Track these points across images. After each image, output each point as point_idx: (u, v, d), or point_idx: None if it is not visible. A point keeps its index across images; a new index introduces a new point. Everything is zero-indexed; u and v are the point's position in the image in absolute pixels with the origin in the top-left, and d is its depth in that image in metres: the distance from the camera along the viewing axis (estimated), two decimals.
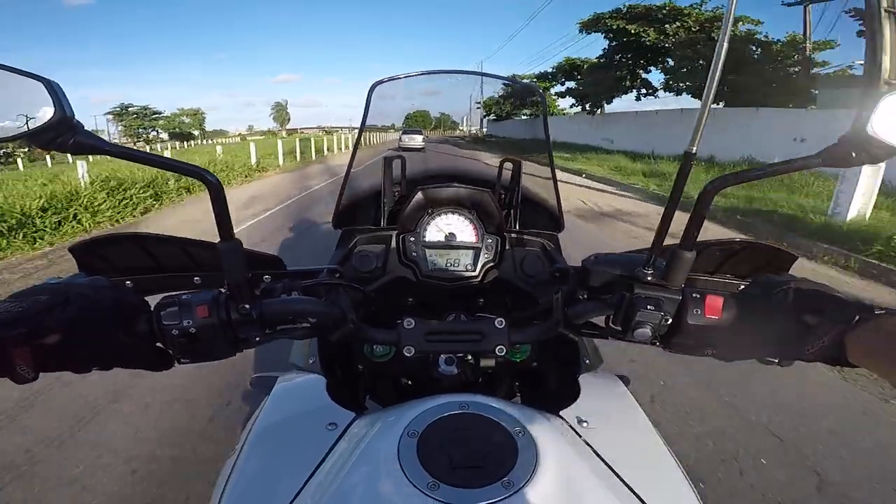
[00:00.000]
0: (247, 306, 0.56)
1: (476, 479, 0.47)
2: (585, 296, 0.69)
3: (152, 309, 0.56)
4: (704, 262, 0.68)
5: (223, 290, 0.57)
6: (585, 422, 0.63)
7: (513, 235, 0.95)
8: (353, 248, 0.92)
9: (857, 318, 0.44)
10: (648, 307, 0.55)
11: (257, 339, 0.59)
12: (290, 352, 0.87)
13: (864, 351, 0.43)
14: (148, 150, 0.50)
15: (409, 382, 0.92)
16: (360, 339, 0.69)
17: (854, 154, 0.47)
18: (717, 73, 0.46)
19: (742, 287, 0.64)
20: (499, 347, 0.67)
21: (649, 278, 0.56)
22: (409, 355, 0.66)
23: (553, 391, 0.88)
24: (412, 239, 0.92)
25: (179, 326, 0.54)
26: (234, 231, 0.53)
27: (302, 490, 0.52)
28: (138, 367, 0.56)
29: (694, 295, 0.56)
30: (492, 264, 0.93)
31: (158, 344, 0.56)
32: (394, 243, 0.93)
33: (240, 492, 0.55)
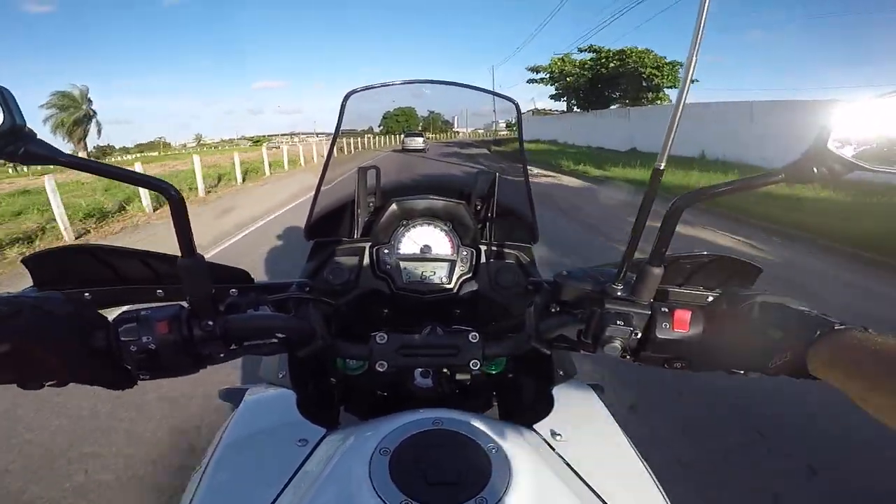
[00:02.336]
0: (209, 322, 0.55)
1: (450, 496, 0.47)
2: (558, 309, 0.69)
3: (110, 323, 0.54)
4: (673, 274, 0.69)
5: (185, 305, 0.55)
6: (559, 434, 0.63)
7: (488, 248, 0.95)
8: (326, 260, 0.90)
9: (818, 332, 0.45)
10: (618, 322, 0.56)
11: (221, 355, 0.58)
12: (259, 365, 0.84)
13: (824, 364, 0.44)
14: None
15: (386, 395, 0.90)
16: (331, 353, 0.68)
17: (815, 170, 0.48)
18: (684, 96, 0.47)
19: (710, 300, 0.65)
20: (473, 361, 0.67)
21: (619, 293, 0.57)
22: (382, 370, 0.66)
23: (529, 403, 0.88)
24: (386, 251, 0.91)
25: (138, 342, 0.52)
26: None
27: None
28: (96, 384, 0.54)
29: (663, 309, 0.56)
30: (467, 276, 0.93)
31: (124, 362, 0.54)
32: (367, 255, 0.92)
33: None
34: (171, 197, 0.48)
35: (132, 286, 0.69)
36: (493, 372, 0.91)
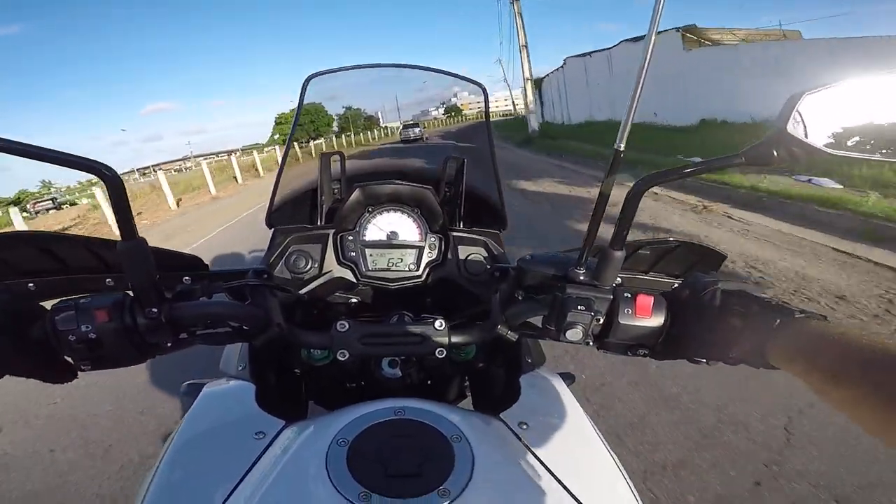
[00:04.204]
0: (154, 310, 0.53)
1: (411, 488, 0.46)
2: (523, 296, 0.68)
3: (48, 313, 0.52)
4: (640, 260, 0.68)
5: (129, 293, 0.53)
6: (525, 424, 0.63)
7: (457, 234, 0.93)
8: (287, 248, 0.87)
9: (778, 322, 0.45)
10: (579, 307, 0.55)
11: (169, 344, 0.56)
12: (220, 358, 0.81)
13: (784, 354, 0.43)
14: None
15: (354, 386, 0.88)
16: (289, 343, 0.65)
17: (776, 153, 0.48)
18: (644, 72, 0.46)
19: (674, 286, 0.65)
20: (438, 350, 0.66)
21: (581, 278, 0.56)
22: (343, 359, 0.65)
23: (499, 392, 0.87)
24: (350, 238, 0.89)
25: (77, 332, 0.50)
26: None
27: (225, 503, 0.49)
28: (33, 377, 0.52)
29: (625, 295, 0.56)
30: (436, 263, 0.91)
31: (64, 353, 0.52)
32: (331, 242, 0.89)
33: None
34: (106, 177, 0.46)
35: (80, 276, 0.66)
36: (462, 360, 0.90)
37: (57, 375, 0.54)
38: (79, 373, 0.55)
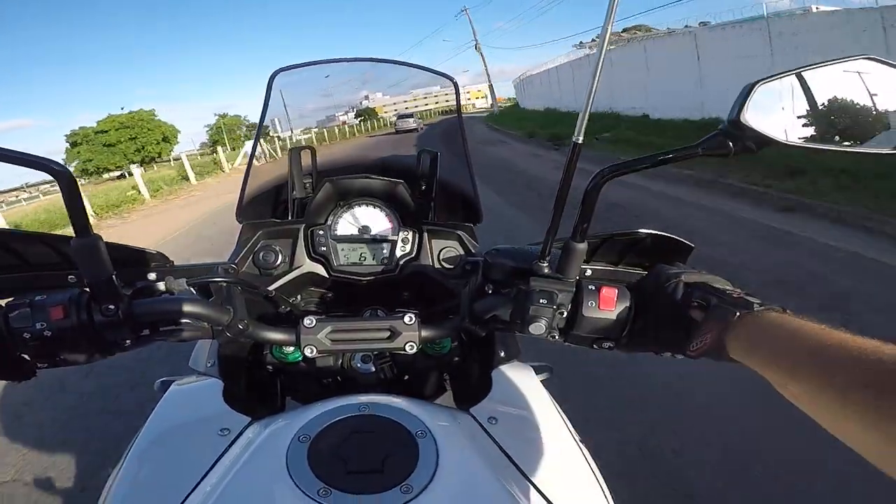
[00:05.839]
0: (111, 307, 0.52)
1: (372, 484, 0.46)
2: (491, 289, 0.68)
3: (1, 310, 0.51)
4: (608, 252, 0.69)
5: (87, 290, 0.53)
6: (495, 418, 0.63)
7: (430, 228, 0.93)
8: (256, 242, 0.86)
9: (737, 315, 0.44)
10: (541, 301, 0.55)
11: (128, 342, 0.56)
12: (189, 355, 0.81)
13: (742, 347, 0.43)
14: None
15: (330, 381, 0.88)
16: (253, 340, 0.65)
17: (731, 143, 0.49)
18: (601, 63, 0.46)
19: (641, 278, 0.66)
20: (409, 344, 0.66)
21: (545, 271, 0.56)
22: (310, 355, 0.65)
23: (474, 386, 0.87)
24: (321, 232, 0.88)
25: (32, 330, 0.50)
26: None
27: (187, 499, 0.49)
28: None
29: (590, 287, 0.56)
30: (410, 257, 0.91)
31: (19, 351, 0.52)
32: (301, 237, 0.88)
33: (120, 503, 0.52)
34: (59, 174, 0.46)
35: (40, 273, 0.65)
36: (435, 354, 0.90)
37: (14, 373, 0.54)
38: (37, 370, 0.55)
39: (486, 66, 35.05)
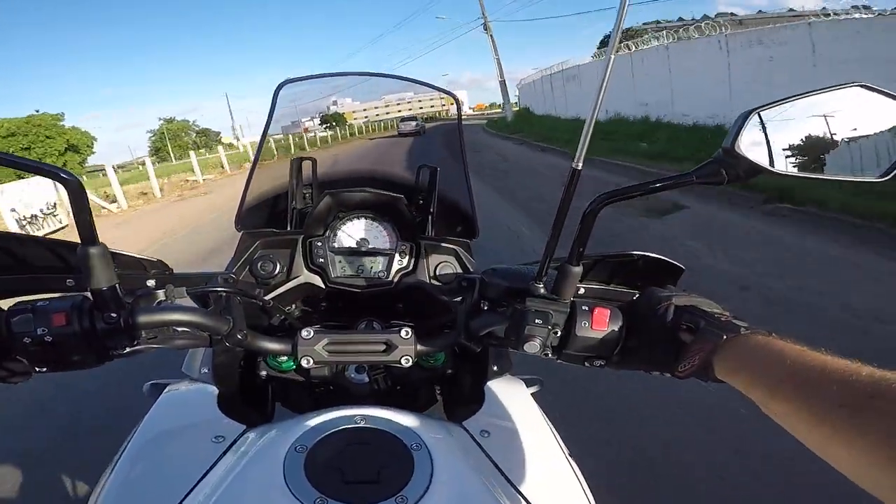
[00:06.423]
0: (113, 315, 0.53)
1: (368, 495, 0.46)
2: (487, 306, 0.69)
3: (2, 314, 0.52)
4: (600, 271, 0.70)
5: (89, 296, 0.53)
6: (487, 432, 0.64)
7: (428, 242, 0.94)
8: (255, 251, 0.87)
9: (724, 338, 0.46)
10: (537, 321, 0.56)
11: (127, 349, 0.56)
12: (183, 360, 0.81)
13: (728, 368, 0.44)
14: None
15: (323, 390, 0.88)
16: (251, 349, 0.65)
17: (724, 171, 0.50)
18: (603, 91, 0.47)
19: (633, 299, 0.67)
20: (404, 357, 0.67)
21: (541, 291, 0.57)
22: (307, 366, 0.65)
23: (466, 399, 0.88)
24: (319, 244, 0.89)
25: (32, 335, 0.50)
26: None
27: None
28: None
29: (583, 307, 0.57)
30: (406, 271, 0.92)
31: (18, 354, 0.52)
32: (300, 248, 0.89)
33: None
34: (67, 182, 0.46)
35: (39, 275, 0.65)
36: (429, 367, 0.90)
37: (10, 375, 0.54)
38: (33, 374, 0.55)
39: (496, 51, 26.64)
